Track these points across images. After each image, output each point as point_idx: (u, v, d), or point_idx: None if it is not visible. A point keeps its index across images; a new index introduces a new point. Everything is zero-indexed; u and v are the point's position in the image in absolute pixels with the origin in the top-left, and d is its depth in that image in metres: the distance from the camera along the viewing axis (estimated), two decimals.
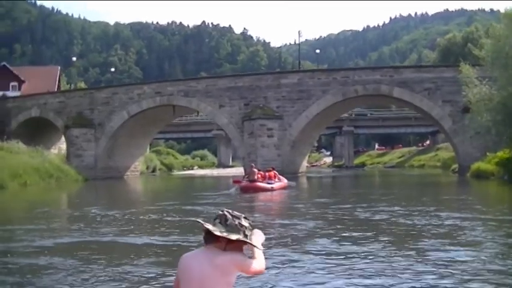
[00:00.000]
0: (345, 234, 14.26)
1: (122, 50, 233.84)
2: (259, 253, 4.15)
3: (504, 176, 37.50)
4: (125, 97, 56.98)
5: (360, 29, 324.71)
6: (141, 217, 19.39)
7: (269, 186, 32.01)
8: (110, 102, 57.39)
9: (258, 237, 4.23)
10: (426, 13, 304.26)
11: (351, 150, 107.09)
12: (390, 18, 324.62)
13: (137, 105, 56.21)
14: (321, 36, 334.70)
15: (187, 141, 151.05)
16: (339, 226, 15.99)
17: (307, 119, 51.00)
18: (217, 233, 3.96)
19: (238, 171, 56.02)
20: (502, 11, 43.01)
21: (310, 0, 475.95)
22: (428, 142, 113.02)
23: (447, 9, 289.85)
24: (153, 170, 76.20)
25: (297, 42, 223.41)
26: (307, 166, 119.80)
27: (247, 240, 4.04)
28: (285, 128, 51.30)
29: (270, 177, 33.60)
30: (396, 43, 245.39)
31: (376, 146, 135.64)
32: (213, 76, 68.19)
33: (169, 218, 18.76)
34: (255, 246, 4.09)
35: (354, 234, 14.31)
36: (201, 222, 4.08)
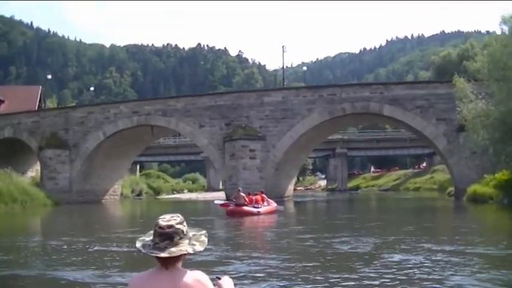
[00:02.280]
0: (303, 275, 11.58)
1: (117, 72, 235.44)
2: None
3: (503, 200, 34.39)
4: (101, 117, 54.15)
5: (357, 52, 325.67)
6: (87, 247, 17.23)
7: (255, 210, 31.26)
8: (85, 122, 54.55)
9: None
10: (422, 35, 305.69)
11: (345, 172, 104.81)
12: (387, 40, 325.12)
13: (113, 125, 53.41)
14: (317, 59, 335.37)
15: (181, 164, 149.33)
16: (304, 263, 13.31)
17: (292, 139, 48.08)
18: (165, 255, 3.74)
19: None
20: (498, 32, 39.89)
21: (306, 22, 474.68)
22: (424, 164, 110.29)
23: (443, 31, 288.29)
24: (139, 194, 74.09)
25: (293, 65, 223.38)
26: (300, 189, 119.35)
27: (191, 252, 3.84)
28: (268, 149, 48.37)
29: (257, 201, 32.79)
30: (392, 65, 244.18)
31: (372, 169, 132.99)
32: (193, 94, 65.12)
33: (116, 249, 16.67)
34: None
35: (316, 276, 11.42)
36: (144, 252, 3.84)
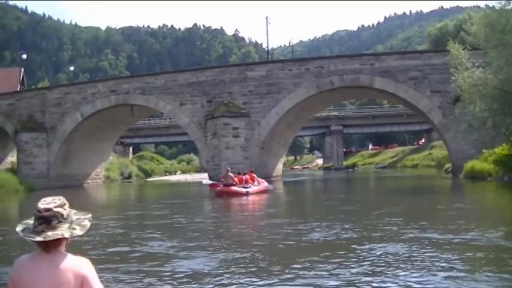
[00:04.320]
0: (264, 270, 9.94)
1: (112, 54, 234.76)
2: None
3: (504, 177, 31.70)
4: (78, 97, 51.68)
5: (355, 29, 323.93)
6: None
7: (244, 190, 31.08)
8: (62, 103, 52.15)
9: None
10: (421, 11, 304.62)
11: (340, 150, 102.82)
12: (385, 17, 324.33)
13: (91, 105, 51.04)
14: (315, 37, 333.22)
15: (178, 145, 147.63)
16: (269, 256, 11.54)
17: (277, 115, 45.62)
18: (40, 239, 3.54)
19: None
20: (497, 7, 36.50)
21: (304, 1, 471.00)
22: (423, 140, 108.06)
23: (442, 7, 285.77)
24: (129, 177, 71.61)
25: (291, 43, 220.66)
26: (297, 168, 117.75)
27: (68, 236, 3.60)
28: (253, 127, 45.98)
29: (247, 181, 32.49)
30: (391, 41, 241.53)
31: (370, 146, 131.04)
32: (173, 71, 62.43)
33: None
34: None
35: (279, 271, 9.80)
36: (22, 235, 3.63)
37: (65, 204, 3.67)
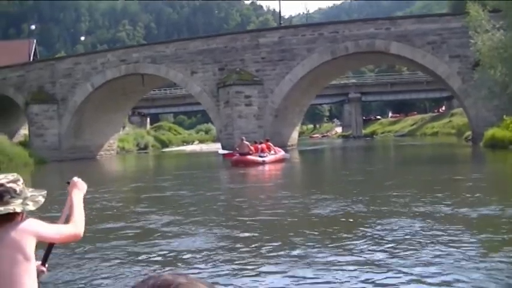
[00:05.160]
0: (251, 254, 8.95)
1: (130, 25, 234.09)
2: (76, 211, 3.82)
3: None
4: (88, 67, 50.92)
5: None
6: None
7: (260, 159, 30.83)
8: (72, 73, 51.42)
9: (75, 190, 3.97)
10: None
11: (359, 118, 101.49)
12: None
13: (101, 75, 50.26)
14: (334, 4, 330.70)
15: (197, 115, 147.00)
16: (264, 236, 10.42)
17: (291, 83, 44.55)
18: None
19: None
20: None
21: None
22: (444, 108, 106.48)
23: None
24: (145, 147, 71.49)
25: (308, 11, 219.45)
26: (316, 136, 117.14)
27: (19, 210, 3.51)
28: (266, 95, 44.96)
29: (263, 150, 32.28)
30: (410, 8, 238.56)
31: (390, 114, 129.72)
32: (183, 38, 61.49)
33: None
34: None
35: (268, 252, 8.99)
36: None
37: (18, 180, 3.61)
